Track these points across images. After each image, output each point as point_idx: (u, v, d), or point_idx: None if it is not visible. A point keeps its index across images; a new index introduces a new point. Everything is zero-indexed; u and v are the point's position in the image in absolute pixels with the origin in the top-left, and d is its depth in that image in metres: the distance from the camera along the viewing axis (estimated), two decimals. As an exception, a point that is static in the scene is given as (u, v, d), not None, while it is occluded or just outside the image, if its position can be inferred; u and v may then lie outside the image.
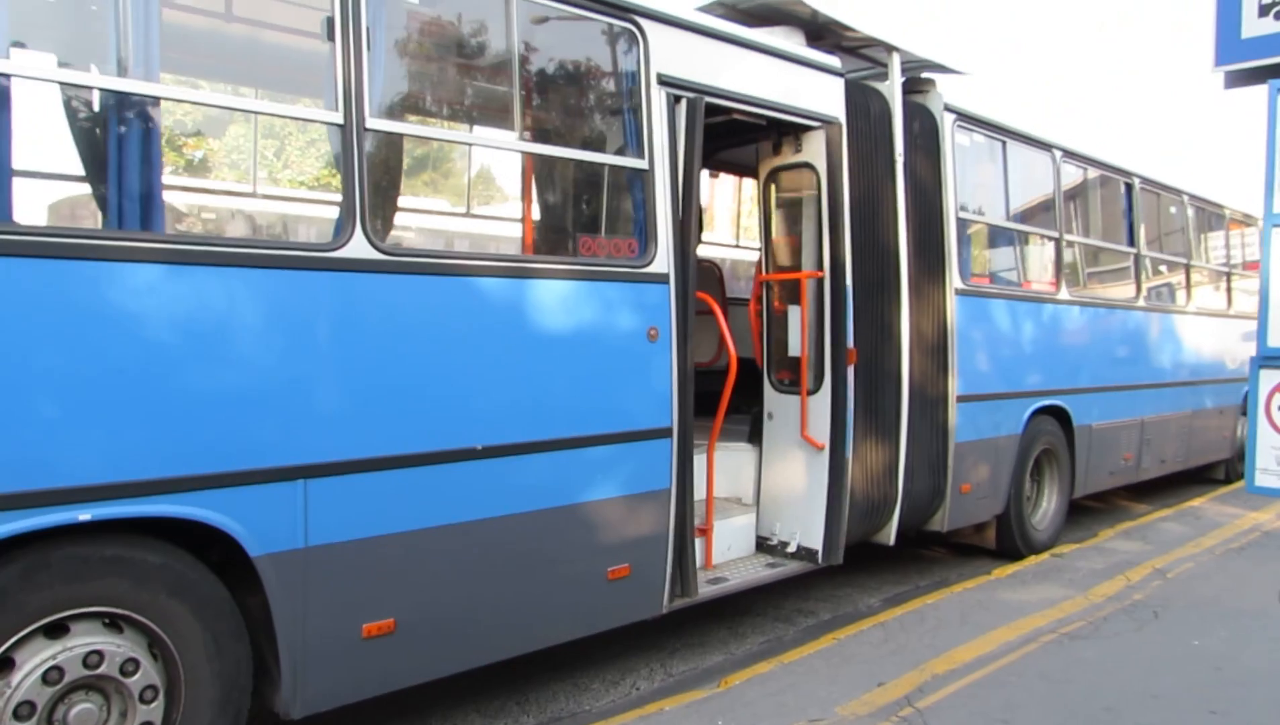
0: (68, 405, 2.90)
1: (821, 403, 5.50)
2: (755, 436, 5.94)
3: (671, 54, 4.65)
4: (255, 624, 3.39)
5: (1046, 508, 7.56)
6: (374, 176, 3.68)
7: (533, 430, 4.05)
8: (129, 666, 3.07)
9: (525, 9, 4.17)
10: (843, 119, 5.59)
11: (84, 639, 3.00)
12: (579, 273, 4.29)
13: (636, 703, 4.32)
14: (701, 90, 4.78)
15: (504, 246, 5.52)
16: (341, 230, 3.51)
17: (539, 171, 4.94)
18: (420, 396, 3.70)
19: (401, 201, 4.80)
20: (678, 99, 4.69)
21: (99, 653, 3.01)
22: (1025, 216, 7.50)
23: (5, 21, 2.91)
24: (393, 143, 4.16)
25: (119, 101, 3.19)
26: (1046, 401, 7.27)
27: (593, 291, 4.31)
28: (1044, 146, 7.50)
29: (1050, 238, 7.56)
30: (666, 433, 4.55)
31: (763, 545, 5.73)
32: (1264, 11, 2.70)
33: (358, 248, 3.51)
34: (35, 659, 2.91)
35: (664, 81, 4.61)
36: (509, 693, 4.56)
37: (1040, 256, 7.78)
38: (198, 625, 3.20)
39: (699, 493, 5.00)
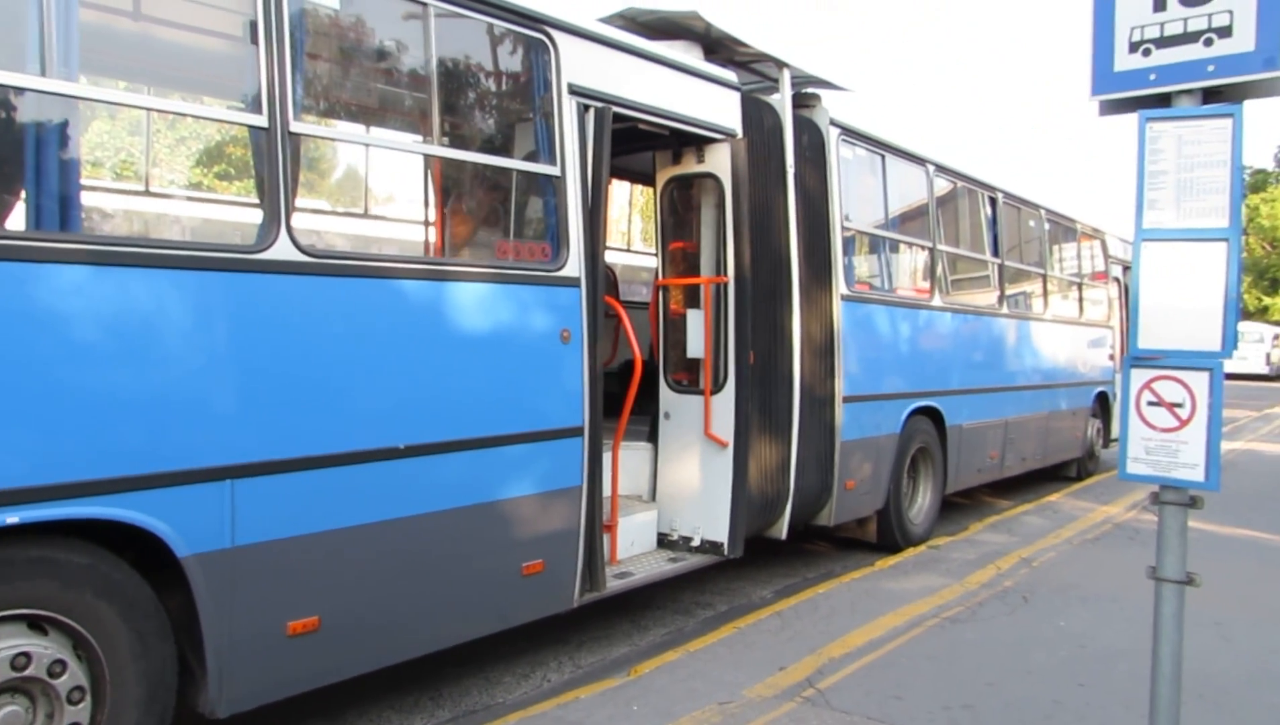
0: (-4, 406, 2.87)
1: (724, 402, 5.74)
2: (652, 436, 6.14)
3: (582, 64, 4.80)
4: (178, 624, 3.38)
5: (922, 503, 8.00)
6: (298, 179, 3.72)
7: (452, 429, 4.14)
8: (56, 668, 3.04)
9: (443, 20, 4.25)
10: (740, 131, 5.85)
11: (10, 641, 2.96)
12: (495, 276, 4.39)
13: (549, 694, 4.45)
14: (610, 100, 4.95)
15: (423, 250, 5.57)
16: (266, 232, 3.53)
17: (457, 176, 5.02)
18: (343, 396, 3.75)
19: (324, 204, 4.82)
20: (587, 108, 4.85)
21: (26, 654, 2.97)
22: (903, 227, 7.93)
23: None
24: (315, 146, 4.19)
25: (38, 102, 3.15)
26: (922, 402, 7.71)
27: (508, 294, 4.42)
28: (919, 161, 7.95)
29: (925, 247, 8.02)
30: (578, 432, 4.69)
31: (663, 541, 5.93)
32: (1133, 49, 3.03)
33: (282, 250, 3.54)
34: (-40, 663, 2.86)
35: (574, 91, 4.76)
36: (422, 689, 4.62)
37: (916, 265, 8.24)
38: (123, 626, 3.18)
39: (605, 490, 5.16)
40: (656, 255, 6.29)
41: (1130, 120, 3.09)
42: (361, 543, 3.80)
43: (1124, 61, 3.09)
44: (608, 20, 5.64)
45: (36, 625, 3.05)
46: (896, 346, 7.52)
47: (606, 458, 5.25)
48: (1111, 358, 12.20)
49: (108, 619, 3.15)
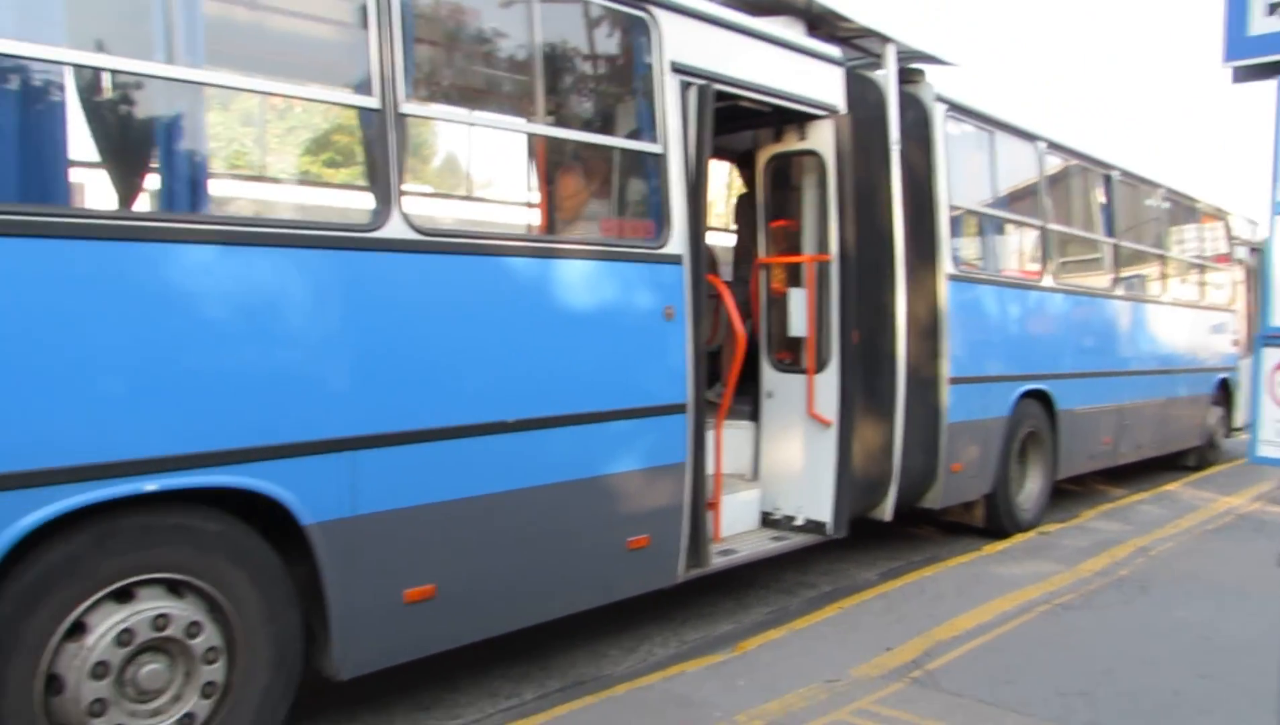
0: (133, 383, 3.02)
1: (828, 381, 5.70)
2: (754, 414, 6.13)
3: (684, 42, 4.81)
4: (304, 590, 3.52)
5: (1031, 488, 7.80)
6: (409, 159, 3.81)
7: (559, 404, 4.21)
8: (193, 629, 3.20)
9: (547, 2, 4.31)
10: (843, 107, 5.78)
11: (151, 603, 3.12)
12: (599, 253, 4.45)
13: (655, 667, 4.49)
14: (711, 77, 4.94)
15: (529, 228, 5.68)
16: (379, 212, 3.64)
17: (561, 155, 5.09)
18: (454, 371, 3.85)
19: (434, 184, 4.94)
20: (689, 86, 4.85)
21: (166, 615, 3.14)
22: (1011, 205, 7.73)
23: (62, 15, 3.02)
24: (426, 127, 4.29)
25: (166, 89, 3.30)
26: (1031, 386, 7.51)
27: (612, 271, 4.47)
28: (1029, 137, 7.74)
29: (1035, 226, 7.80)
30: (682, 408, 4.72)
31: (766, 520, 5.92)
32: (1271, 10, 2.89)
33: (395, 228, 3.65)
34: (108, 622, 3.03)
35: (677, 69, 4.77)
36: (530, 659, 4.71)
37: (1025, 245, 8.03)
38: (254, 591, 3.33)
39: (708, 468, 5.17)
40: (740, 235, 6.26)
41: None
42: (473, 514, 3.89)
43: (1260, 25, 2.96)
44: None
45: (174, 589, 3.21)
46: (1005, 328, 7.35)
47: (710, 435, 5.27)
48: (1235, 344, 11.68)
49: (239, 584, 3.30)
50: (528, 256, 4.16)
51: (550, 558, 4.23)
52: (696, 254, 4.79)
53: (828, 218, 5.76)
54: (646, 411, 4.58)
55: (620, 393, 4.47)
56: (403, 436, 3.64)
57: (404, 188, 3.69)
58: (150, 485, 3.04)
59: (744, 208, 6.96)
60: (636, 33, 4.69)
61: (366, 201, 3.70)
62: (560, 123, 4.85)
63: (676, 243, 4.70)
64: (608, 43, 4.80)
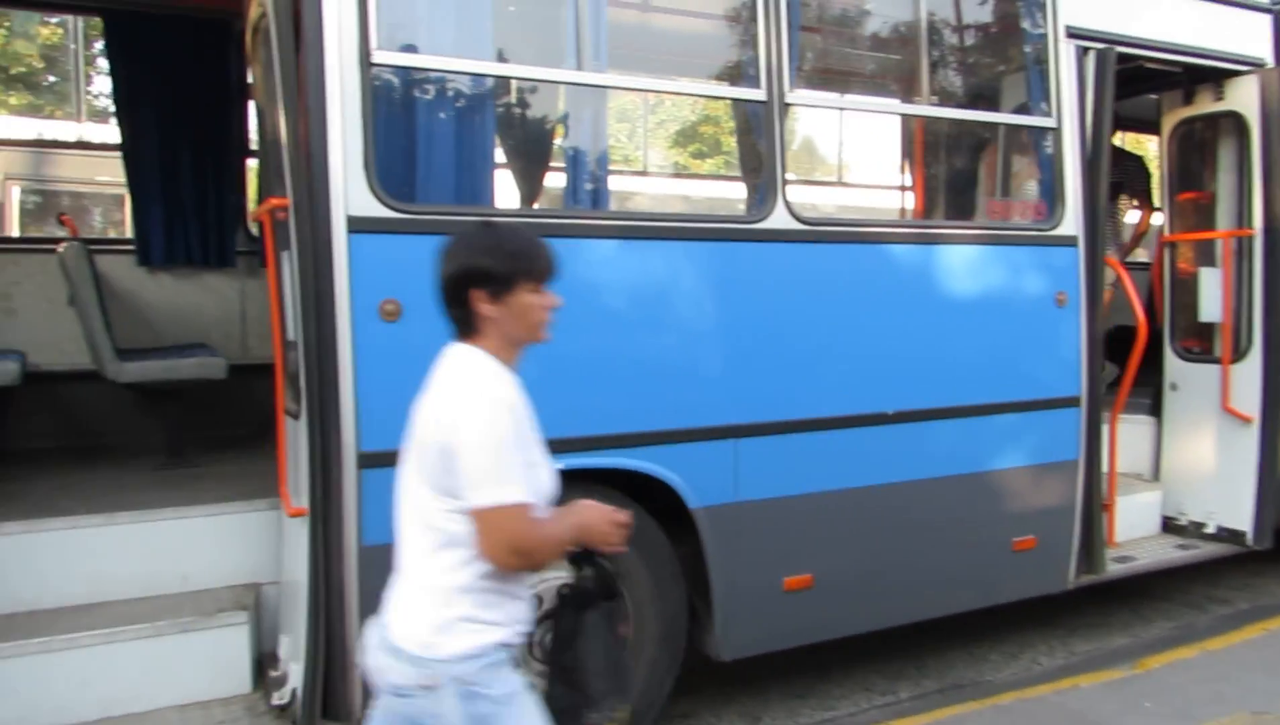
0: (545, 369, 3.26)
1: (1248, 372, 5.04)
2: (1155, 409, 5.56)
3: (1081, 3, 4.42)
4: (688, 572, 3.65)
5: None
6: (792, 150, 3.82)
7: (941, 396, 4.05)
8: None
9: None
10: (1271, 59, 5.07)
11: (554, 573, 3.37)
12: (985, 237, 4.22)
13: (1042, 677, 4.22)
14: (1112, 40, 4.51)
15: (910, 213, 5.53)
16: (764, 203, 3.67)
17: (943, 135, 4.90)
18: (835, 361, 3.81)
19: (814, 171, 4.95)
20: (1086, 51, 4.46)
21: (570, 585, 3.37)
22: None
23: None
24: (808, 116, 4.28)
25: (574, 94, 3.53)
26: None
27: (999, 256, 4.22)
28: None
29: None
30: (1075, 402, 4.38)
31: (1168, 525, 5.36)
32: None
33: (779, 219, 3.66)
34: (519, 586, 3.31)
35: (1072, 34, 4.40)
36: (905, 657, 4.59)
37: None
38: (644, 569, 3.50)
39: (1103, 466, 4.76)
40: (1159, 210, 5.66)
41: None
42: (851, 506, 3.84)
43: None
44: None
45: (571, 560, 3.44)
46: None
47: (1104, 431, 4.85)
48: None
49: (631, 561, 3.47)
50: (909, 243, 4.03)
51: (930, 555, 4.09)
52: (1093, 235, 4.41)
53: (1250, 187, 5.07)
54: (1036, 404, 4.29)
55: (1007, 384, 4.22)
56: (784, 426, 3.66)
57: (787, 178, 3.70)
58: (558, 465, 3.27)
59: (1125, 180, 6.31)
60: (1027, -3, 4.38)
61: (750, 192, 3.75)
62: (944, 101, 4.64)
63: (1070, 223, 4.35)
64: (994, 12, 4.53)
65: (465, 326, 2.07)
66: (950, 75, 4.68)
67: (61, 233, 4.79)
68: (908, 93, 4.46)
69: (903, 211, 5.79)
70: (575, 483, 3.35)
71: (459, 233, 2.11)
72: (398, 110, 3.23)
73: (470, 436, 1.92)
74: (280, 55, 2.98)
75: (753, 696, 4.18)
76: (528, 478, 2.00)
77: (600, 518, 2.15)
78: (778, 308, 3.68)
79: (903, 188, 5.49)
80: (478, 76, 3.37)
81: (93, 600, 3.37)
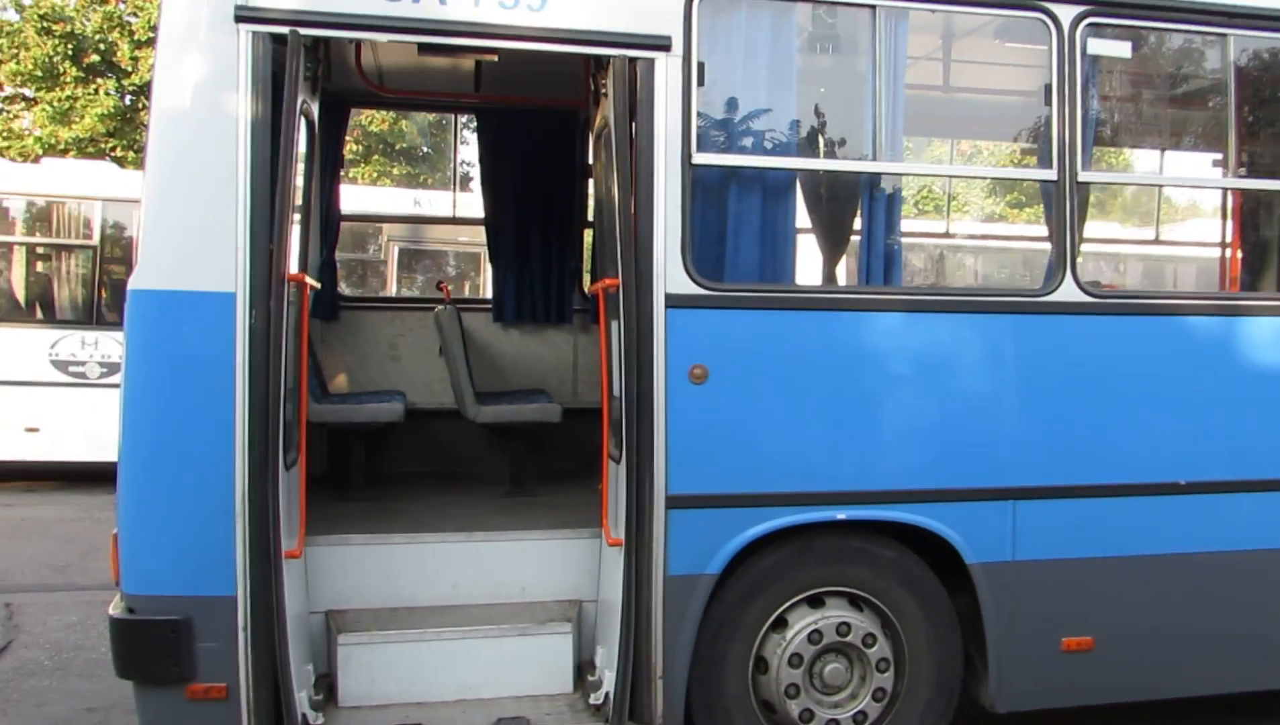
0: (837, 427, 3.67)
1: None
2: None
3: None
4: (964, 622, 3.87)
5: None
6: (1082, 225, 3.98)
7: (1240, 469, 4.00)
8: (869, 639, 3.75)
9: (1241, 41, 4.12)
10: None
11: (836, 612, 3.74)
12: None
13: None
14: None
15: (1213, 283, 5.41)
16: (1052, 276, 3.86)
17: (1243, 206, 4.79)
18: (1119, 430, 3.90)
19: (1103, 247, 5.02)
20: None
21: (848, 624, 3.73)
22: None
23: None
24: (1098, 192, 4.39)
25: (872, 180, 3.91)
26: None
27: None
28: None
29: None
30: None
31: None
32: None
33: (1068, 292, 3.83)
34: (802, 622, 3.71)
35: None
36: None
37: None
38: (921, 615, 3.78)
39: None
40: None
41: None
42: (1138, 573, 3.90)
43: None
44: None
45: (855, 603, 3.79)
46: None
47: None
48: None
49: (908, 606, 3.77)
50: (1204, 315, 4.05)
51: (1225, 626, 4.03)
52: None
53: None
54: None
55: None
56: (1063, 490, 3.81)
57: (1078, 253, 3.87)
58: (841, 514, 3.65)
59: None
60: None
61: (1039, 265, 3.95)
62: (1253, 172, 4.56)
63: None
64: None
65: None
66: (1259, 143, 4.59)
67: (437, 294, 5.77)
68: (1210, 164, 4.43)
69: (1215, 280, 5.63)
70: (862, 531, 3.74)
71: None
72: (711, 202, 3.76)
73: None
74: (618, 161, 3.60)
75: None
76: None
77: None
78: (1064, 377, 3.84)
79: (1204, 258, 5.38)
80: (781, 170, 3.84)
81: (454, 603, 4.10)
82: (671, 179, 3.55)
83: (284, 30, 3.34)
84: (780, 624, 3.73)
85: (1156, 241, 6.83)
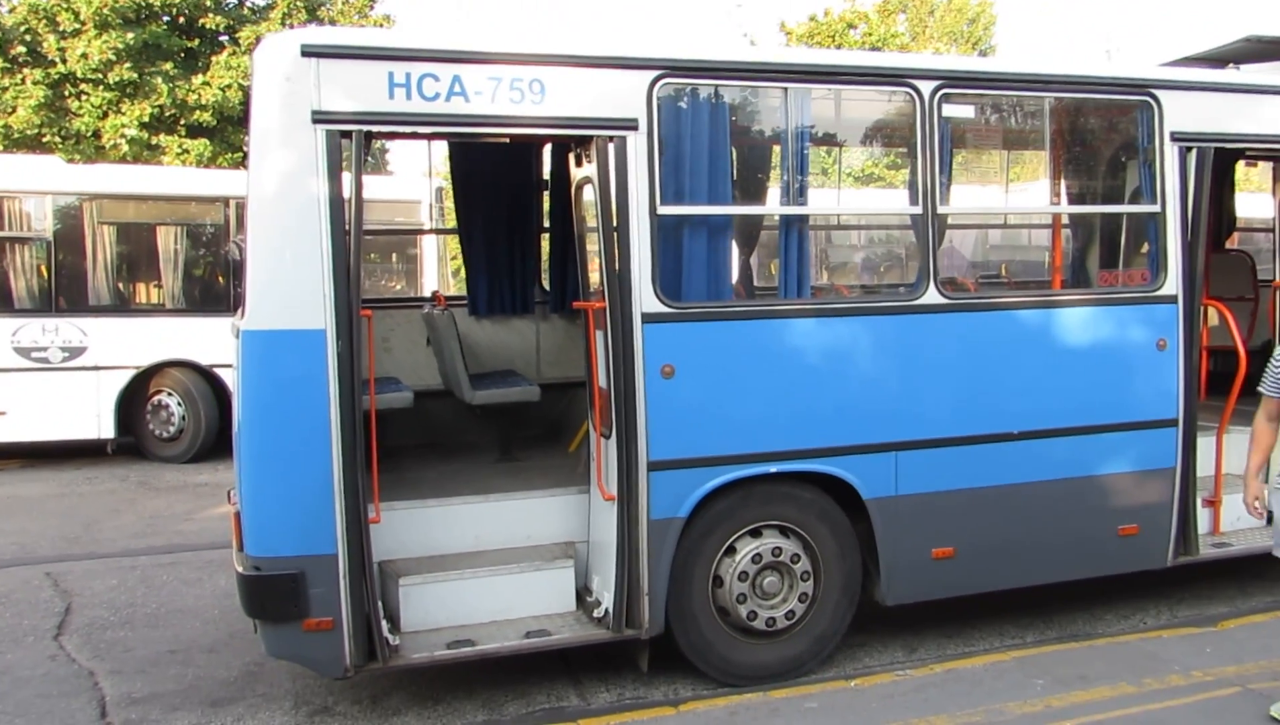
0: (766, 406, 4.98)
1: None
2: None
3: (1182, 114, 5.68)
4: (862, 542, 5.28)
5: None
6: (939, 247, 5.34)
7: (1056, 420, 5.49)
8: (795, 558, 5.12)
9: (1060, 100, 5.52)
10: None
11: (771, 540, 5.10)
12: (1096, 300, 5.61)
13: (1138, 630, 5.60)
14: (1211, 139, 5.75)
15: (1037, 285, 6.93)
16: (920, 285, 5.22)
17: (1067, 223, 6.26)
18: (970, 397, 5.33)
19: (955, 261, 6.47)
20: (1189, 149, 5.71)
21: (779, 548, 5.09)
22: None
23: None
24: (951, 221, 5.79)
25: (787, 219, 5.21)
26: None
27: (1107, 314, 5.59)
28: None
29: None
30: (1172, 422, 5.69)
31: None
32: None
33: (931, 296, 5.21)
34: (746, 548, 5.06)
35: (1176, 137, 5.67)
36: (1035, 614, 6.04)
37: None
38: (832, 538, 5.17)
39: (1208, 470, 6.00)
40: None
41: None
42: (985, 499, 5.37)
43: None
44: (1233, 45, 6.33)
45: (784, 532, 5.15)
46: None
47: (1210, 441, 6.07)
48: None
49: (823, 533, 5.16)
50: (1032, 307, 5.50)
51: (1048, 535, 5.54)
52: (1191, 291, 5.68)
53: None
54: (1136, 425, 5.65)
55: (1112, 410, 5.60)
56: (930, 442, 5.24)
57: (936, 266, 5.24)
58: (773, 468, 4.99)
59: None
60: (1139, 114, 5.68)
61: (909, 277, 5.31)
62: (1072, 198, 6.03)
63: (1171, 285, 5.65)
64: (1112, 126, 5.86)
65: None
66: (1077, 177, 6.06)
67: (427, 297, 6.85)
68: (1043, 192, 5.89)
69: (1037, 283, 7.17)
70: (788, 480, 5.09)
71: None
72: (671, 241, 4.98)
73: None
74: (602, 211, 4.78)
75: (913, 635, 5.76)
76: None
77: None
78: (928, 360, 5.24)
79: (1035, 265, 6.88)
80: (720, 216, 5.09)
81: (477, 549, 5.31)
82: (643, 225, 4.76)
83: (351, 128, 4.41)
84: (730, 551, 5.06)
85: (1002, 248, 8.53)
